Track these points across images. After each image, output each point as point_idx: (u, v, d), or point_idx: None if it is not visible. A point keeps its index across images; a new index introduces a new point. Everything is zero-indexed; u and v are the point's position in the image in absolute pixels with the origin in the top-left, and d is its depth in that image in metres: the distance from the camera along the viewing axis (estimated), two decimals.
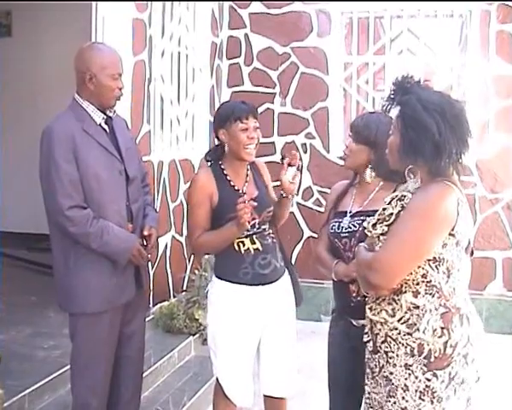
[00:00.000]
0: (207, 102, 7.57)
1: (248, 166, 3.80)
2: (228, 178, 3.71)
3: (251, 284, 3.67)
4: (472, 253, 2.73)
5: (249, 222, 3.50)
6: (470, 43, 7.34)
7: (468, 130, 2.62)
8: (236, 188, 3.70)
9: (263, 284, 3.69)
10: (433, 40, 7.54)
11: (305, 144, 7.77)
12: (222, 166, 3.74)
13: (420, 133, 2.56)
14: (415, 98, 2.61)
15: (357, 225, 3.31)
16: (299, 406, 4.18)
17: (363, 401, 2.93)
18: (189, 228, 3.76)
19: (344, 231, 3.36)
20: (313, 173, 7.69)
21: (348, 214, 3.39)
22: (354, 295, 3.26)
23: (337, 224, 3.41)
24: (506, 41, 7.23)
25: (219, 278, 3.75)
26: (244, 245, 3.66)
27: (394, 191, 3.29)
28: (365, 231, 2.79)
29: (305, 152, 7.75)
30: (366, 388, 2.85)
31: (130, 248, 3.50)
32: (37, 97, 8.92)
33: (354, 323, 3.31)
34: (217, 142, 3.81)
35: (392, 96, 2.75)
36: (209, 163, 3.82)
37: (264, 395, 3.92)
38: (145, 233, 3.69)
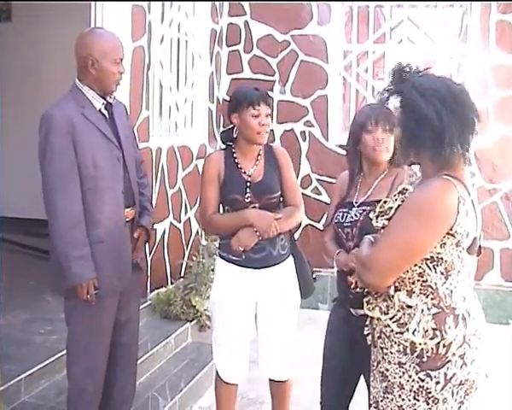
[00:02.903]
0: (206, 88, 7.55)
1: (263, 151, 3.89)
2: (236, 160, 3.84)
3: (243, 266, 3.82)
4: (479, 252, 2.61)
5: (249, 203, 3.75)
6: (470, 33, 7.32)
7: (472, 111, 2.48)
8: (243, 170, 3.82)
9: (255, 268, 3.81)
10: (434, 29, 7.53)
11: (304, 132, 7.76)
12: (233, 148, 3.87)
13: (418, 121, 2.45)
14: (410, 85, 2.51)
15: (359, 215, 3.33)
16: (296, 393, 4.20)
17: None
18: (201, 205, 3.93)
19: (347, 221, 3.38)
20: (312, 162, 7.69)
21: (355, 205, 3.41)
22: (352, 286, 3.26)
23: (341, 214, 3.43)
24: (506, 31, 7.21)
25: (220, 256, 3.94)
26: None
27: (395, 178, 3.36)
28: (372, 222, 2.75)
29: (304, 140, 7.74)
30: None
31: (80, 278, 3.37)
32: (38, 82, 8.89)
33: (353, 312, 3.33)
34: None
35: (389, 87, 2.64)
36: (223, 145, 3.96)
37: (268, 379, 4.09)
38: (135, 236, 3.76)
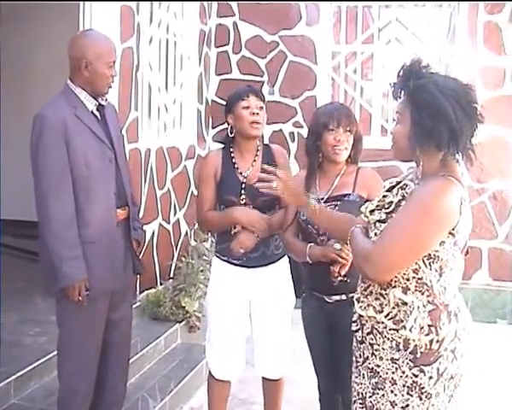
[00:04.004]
0: (195, 89, 7.54)
1: (261, 151, 3.91)
2: (233, 160, 3.86)
3: (236, 265, 3.85)
4: (467, 252, 2.63)
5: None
6: (458, 34, 7.36)
7: (481, 116, 2.54)
8: (239, 171, 3.84)
9: (248, 267, 3.84)
10: (422, 30, 7.56)
11: (292, 133, 7.78)
12: (231, 149, 3.88)
13: (437, 119, 2.45)
14: (431, 83, 2.50)
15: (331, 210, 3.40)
16: (288, 391, 4.22)
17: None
18: (198, 202, 3.99)
19: None
20: (300, 162, 7.68)
21: (321, 201, 3.45)
22: (336, 275, 3.33)
23: None
24: (494, 32, 7.25)
25: (216, 254, 3.98)
26: (235, 227, 3.81)
27: (357, 174, 3.51)
28: (362, 216, 2.77)
29: (293, 141, 7.76)
30: (353, 376, 2.83)
31: (72, 279, 3.37)
32: (26, 83, 8.85)
33: (327, 299, 3.48)
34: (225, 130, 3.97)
35: (404, 82, 2.59)
36: (222, 145, 3.98)
37: (262, 378, 4.12)
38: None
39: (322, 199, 3.47)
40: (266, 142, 4.05)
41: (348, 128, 3.49)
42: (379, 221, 2.64)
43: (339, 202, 3.42)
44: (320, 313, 3.54)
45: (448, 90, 2.48)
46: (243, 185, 3.80)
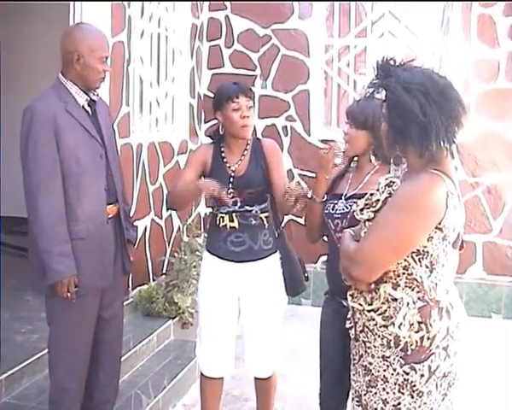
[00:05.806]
0: (187, 84, 7.51)
1: (250, 145, 3.90)
2: (223, 154, 3.85)
3: (223, 258, 3.85)
4: (462, 246, 2.61)
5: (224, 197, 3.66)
6: (452, 27, 7.33)
7: (459, 104, 2.47)
8: (228, 165, 3.83)
9: (235, 262, 3.83)
10: (415, 23, 7.54)
11: (285, 127, 7.75)
12: (221, 144, 3.87)
13: (404, 117, 2.44)
14: (394, 81, 2.48)
15: (349, 207, 3.37)
16: (281, 388, 4.20)
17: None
18: (175, 179, 4.01)
19: (337, 212, 3.42)
20: (294, 156, 7.67)
21: (343, 197, 3.44)
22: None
23: (332, 205, 3.46)
24: (487, 25, 7.23)
25: (206, 248, 3.99)
26: (223, 221, 3.84)
27: (387, 174, 3.35)
28: (354, 214, 2.75)
29: (286, 135, 7.72)
30: (351, 373, 2.82)
31: (61, 275, 3.34)
32: (20, 80, 8.82)
33: (344, 304, 3.35)
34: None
35: (374, 81, 2.61)
36: (211, 140, 3.97)
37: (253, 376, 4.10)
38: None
39: (345, 195, 3.43)
40: (259, 136, 4.01)
41: (355, 125, 3.41)
42: (368, 220, 2.63)
43: (358, 200, 3.34)
44: (336, 317, 3.45)
45: (413, 84, 2.45)
46: (231, 179, 3.80)
